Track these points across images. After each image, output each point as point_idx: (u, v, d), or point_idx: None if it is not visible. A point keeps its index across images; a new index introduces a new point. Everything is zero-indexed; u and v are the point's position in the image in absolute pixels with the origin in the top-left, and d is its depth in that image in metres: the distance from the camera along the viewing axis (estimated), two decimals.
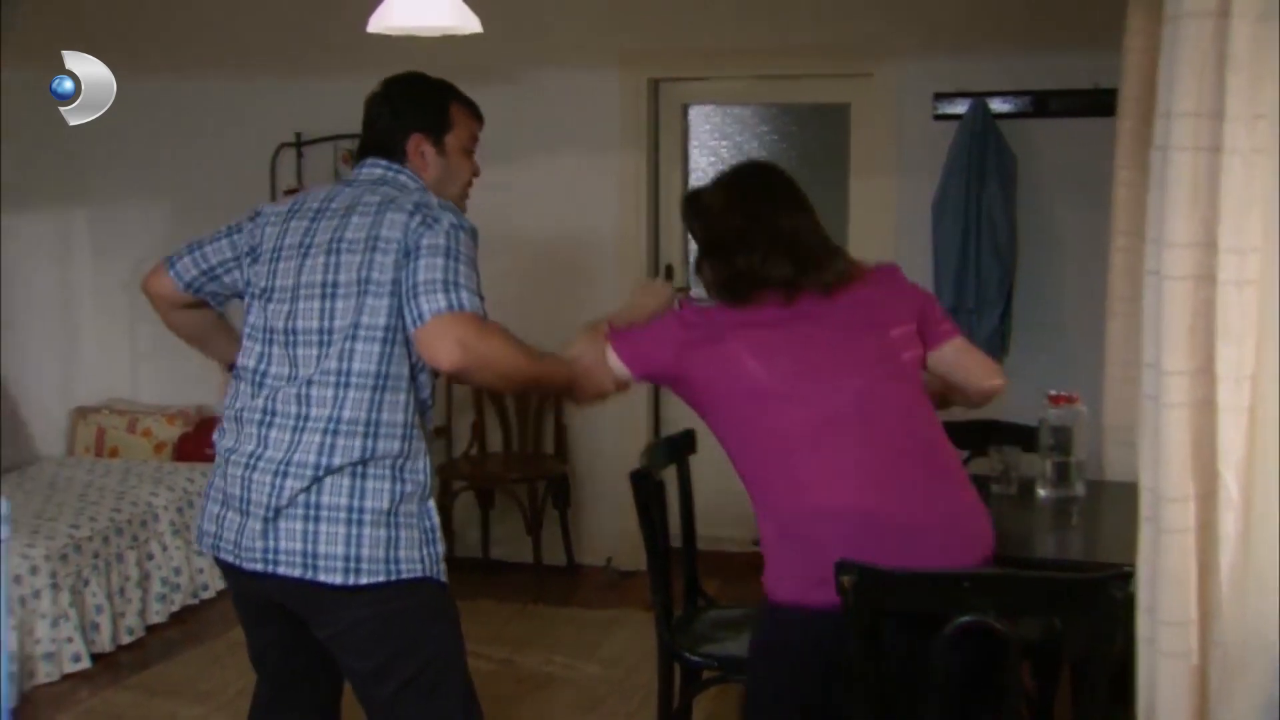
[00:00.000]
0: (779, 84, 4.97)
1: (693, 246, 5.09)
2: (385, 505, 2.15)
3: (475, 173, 2.54)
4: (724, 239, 2.35)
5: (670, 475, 3.16)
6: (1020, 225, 4.56)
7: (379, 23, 3.54)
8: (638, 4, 4.88)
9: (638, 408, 5.03)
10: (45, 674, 3.76)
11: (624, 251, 4.99)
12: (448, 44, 4.20)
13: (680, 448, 3.24)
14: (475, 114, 2.52)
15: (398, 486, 2.18)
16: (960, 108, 4.54)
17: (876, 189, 4.78)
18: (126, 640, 4.15)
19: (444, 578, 2.27)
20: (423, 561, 2.21)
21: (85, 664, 3.87)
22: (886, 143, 4.73)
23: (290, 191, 5.07)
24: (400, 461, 2.19)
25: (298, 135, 5.16)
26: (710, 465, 4.27)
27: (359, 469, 2.15)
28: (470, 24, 3.61)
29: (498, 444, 5.09)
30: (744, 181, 2.47)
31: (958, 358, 2.40)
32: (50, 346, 5.24)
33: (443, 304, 2.14)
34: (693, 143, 5.10)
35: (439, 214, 2.26)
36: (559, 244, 5.04)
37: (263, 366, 2.24)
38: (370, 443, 2.16)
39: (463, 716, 2.34)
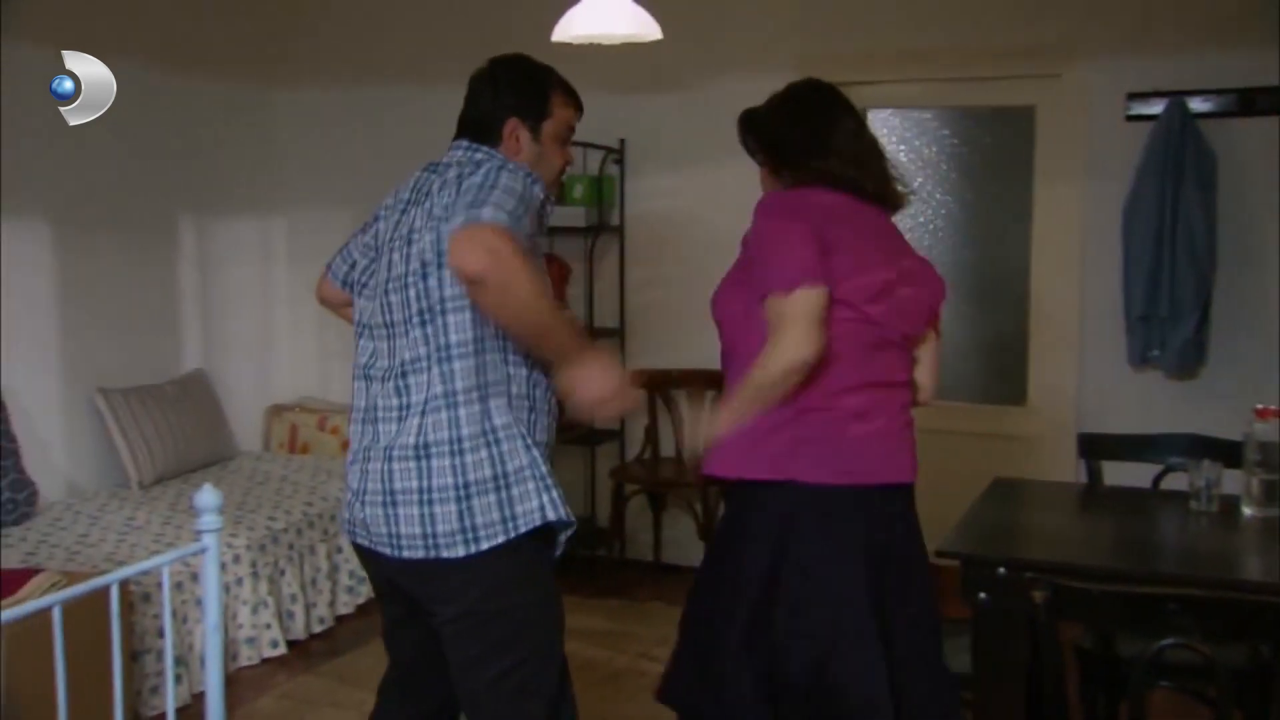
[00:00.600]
0: (960, 86, 4.86)
1: None
2: (488, 473, 2.14)
3: (569, 160, 2.46)
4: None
5: None
6: (1219, 229, 4.35)
7: (563, 31, 3.62)
8: (816, 9, 4.85)
9: None
10: (246, 658, 3.98)
11: None
12: (627, 51, 4.27)
13: None
14: (576, 103, 2.44)
15: (493, 450, 2.15)
16: (1155, 108, 4.36)
17: (1063, 193, 4.63)
18: (318, 629, 4.34)
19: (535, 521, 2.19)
20: (504, 523, 2.15)
21: (282, 649, 4.07)
22: (1075, 145, 4.57)
23: None
24: (487, 423, 2.16)
25: None
26: None
27: (456, 445, 2.14)
28: (651, 31, 3.65)
29: (670, 448, 5.13)
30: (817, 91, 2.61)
31: (929, 354, 2.63)
32: (249, 347, 5.52)
33: (475, 215, 2.05)
34: None
35: (482, 160, 2.24)
36: (734, 251, 5.03)
37: (361, 360, 2.32)
38: (452, 413, 2.14)
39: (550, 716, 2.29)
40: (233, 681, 3.83)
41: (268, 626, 4.06)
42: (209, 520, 2.41)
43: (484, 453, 2.14)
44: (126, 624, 3.13)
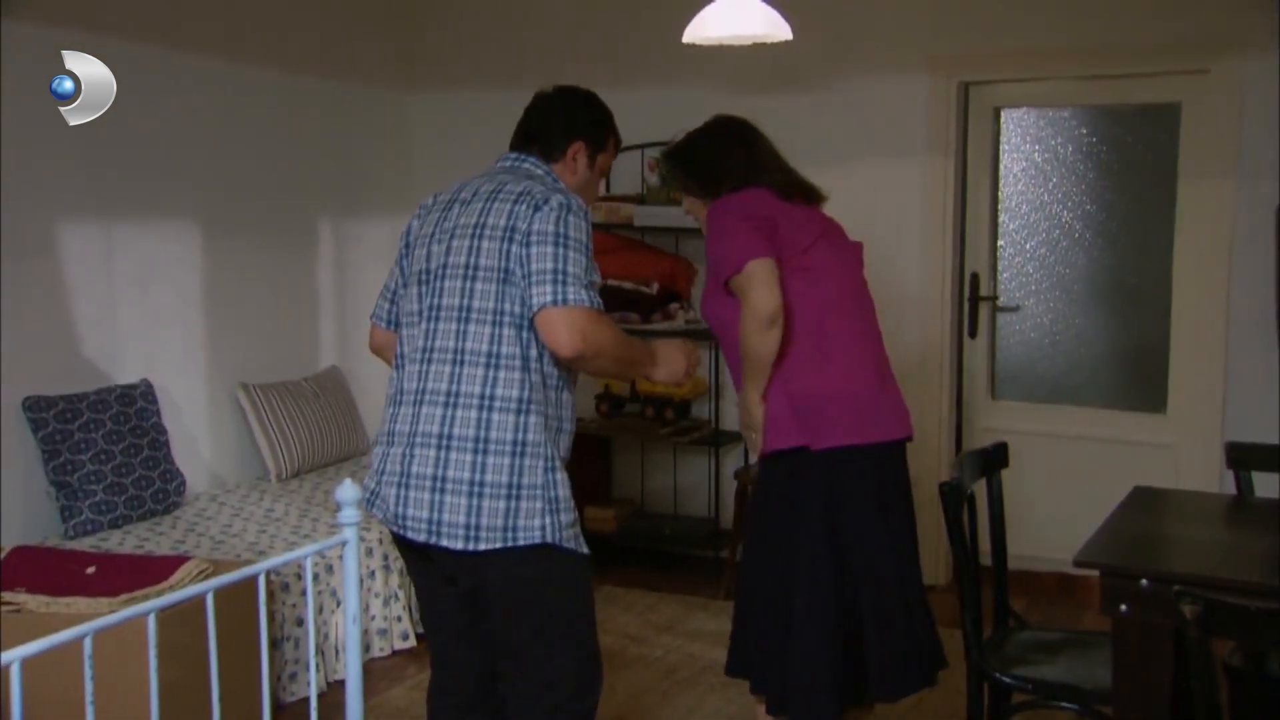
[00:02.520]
0: (1100, 84, 4.72)
1: (1005, 253, 4.94)
2: (505, 479, 2.24)
3: (597, 195, 2.81)
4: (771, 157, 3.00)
5: (980, 489, 3.06)
6: None
7: (694, 33, 3.63)
8: (950, 7, 4.76)
9: (941, 413, 4.91)
10: (379, 649, 4.08)
11: (928, 260, 4.88)
12: (755, 51, 4.26)
13: (992, 461, 3.14)
14: (620, 147, 2.76)
15: (517, 461, 2.25)
16: None
17: (1210, 194, 4.46)
18: None
19: (572, 545, 2.32)
20: (542, 530, 2.25)
21: (412, 642, 4.16)
22: (1224, 143, 4.39)
23: (600, 200, 5.27)
24: (519, 435, 2.26)
25: None
26: (1023, 480, 4.15)
27: (480, 444, 2.24)
28: (781, 32, 3.64)
29: None
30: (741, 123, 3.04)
31: None
32: None
33: (558, 296, 2.23)
34: (1004, 147, 4.93)
35: (547, 194, 2.35)
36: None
37: (400, 349, 2.43)
38: (486, 415, 2.25)
39: (576, 671, 2.37)
40: (366, 672, 3.92)
41: (399, 619, 4.16)
42: (349, 514, 2.48)
43: (507, 460, 2.25)
44: (268, 613, 3.23)
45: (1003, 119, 4.92)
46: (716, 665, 4.05)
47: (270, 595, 3.53)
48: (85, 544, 3.81)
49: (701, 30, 3.59)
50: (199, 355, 4.66)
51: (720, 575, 4.94)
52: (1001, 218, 4.97)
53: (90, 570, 3.33)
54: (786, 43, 3.75)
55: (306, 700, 3.54)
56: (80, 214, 4.15)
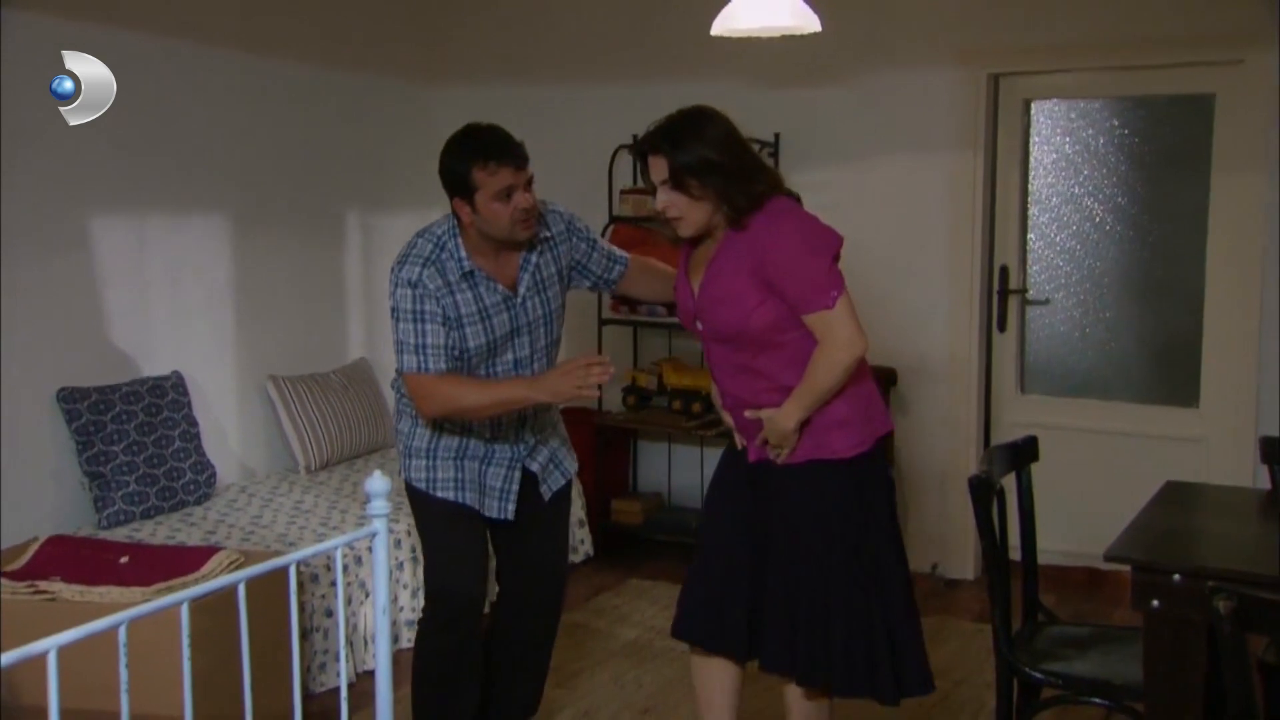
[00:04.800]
0: (1132, 75, 4.68)
1: (1034, 246, 4.91)
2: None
3: (519, 205, 2.81)
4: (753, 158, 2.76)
5: (1009, 483, 3.04)
6: None
7: (723, 25, 3.62)
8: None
9: (969, 406, 4.89)
10: (406, 639, 4.09)
11: (956, 253, 4.86)
12: (785, 44, 4.25)
13: (1022, 455, 3.12)
14: (505, 163, 2.79)
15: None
16: None
17: (1245, 186, 4.42)
18: None
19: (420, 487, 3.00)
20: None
21: None
22: (1258, 135, 4.35)
23: (627, 193, 5.26)
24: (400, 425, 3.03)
25: (635, 137, 5.29)
26: (1052, 475, 4.12)
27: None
28: (810, 24, 3.62)
29: None
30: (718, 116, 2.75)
31: None
32: None
33: (399, 365, 2.87)
34: (1034, 139, 4.90)
35: (394, 267, 2.85)
36: (889, 244, 4.97)
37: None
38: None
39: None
40: (395, 662, 3.94)
41: None
42: (379, 505, 2.49)
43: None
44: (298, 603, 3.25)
45: (1033, 111, 4.88)
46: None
47: (300, 586, 3.56)
48: (118, 534, 3.85)
49: (730, 23, 3.58)
50: (229, 347, 4.69)
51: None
52: (1031, 210, 4.93)
53: (123, 560, 3.36)
54: (815, 35, 3.74)
55: (335, 690, 3.57)
56: (113, 208, 4.19)
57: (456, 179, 2.82)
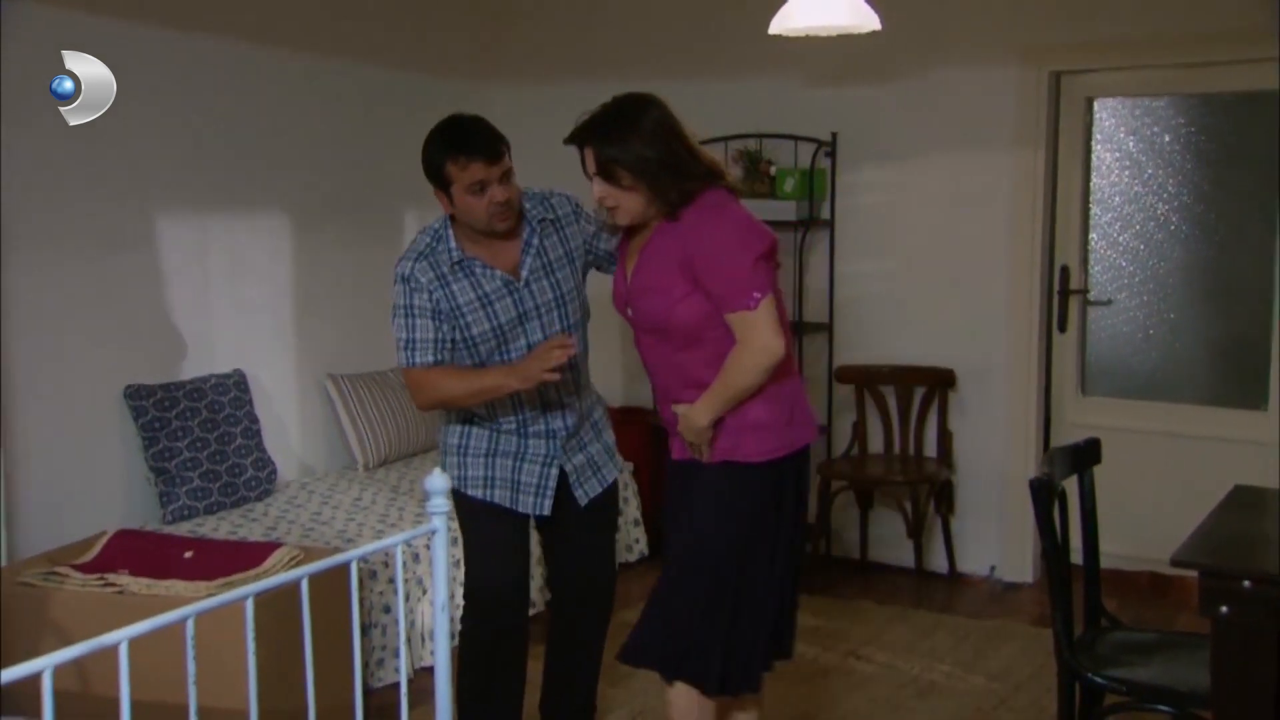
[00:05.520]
0: (1198, 72, 4.59)
1: (1096, 246, 4.84)
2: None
3: (493, 199, 2.84)
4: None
5: (1070, 486, 3.00)
6: None
7: (780, 24, 3.61)
8: None
9: (1028, 408, 4.83)
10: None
11: (1016, 253, 4.80)
12: (842, 42, 4.22)
13: (1084, 457, 3.08)
14: (475, 157, 2.82)
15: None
16: None
17: None
18: (530, 612, 4.44)
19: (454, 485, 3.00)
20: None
21: None
22: None
23: None
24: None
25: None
26: (1115, 477, 4.06)
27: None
28: (869, 22, 3.60)
29: (879, 445, 5.05)
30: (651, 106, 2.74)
31: None
32: None
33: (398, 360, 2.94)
34: (1096, 138, 4.82)
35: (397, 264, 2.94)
36: (947, 245, 4.93)
37: None
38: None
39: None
40: (454, 658, 3.97)
41: None
42: (438, 503, 2.51)
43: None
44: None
45: (1095, 109, 4.81)
46: (799, 659, 3.99)
47: (358, 583, 3.59)
48: (182, 529, 3.92)
49: (788, 21, 3.56)
50: (289, 346, 4.75)
51: (803, 569, 4.89)
52: (1093, 210, 4.86)
53: (188, 555, 3.41)
54: (873, 33, 3.72)
55: (391, 686, 3.61)
56: (177, 207, 4.26)
57: (433, 171, 2.87)
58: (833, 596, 4.71)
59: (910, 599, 4.66)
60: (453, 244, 2.91)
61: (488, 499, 3.00)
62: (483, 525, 3.04)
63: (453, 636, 3.98)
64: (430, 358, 2.88)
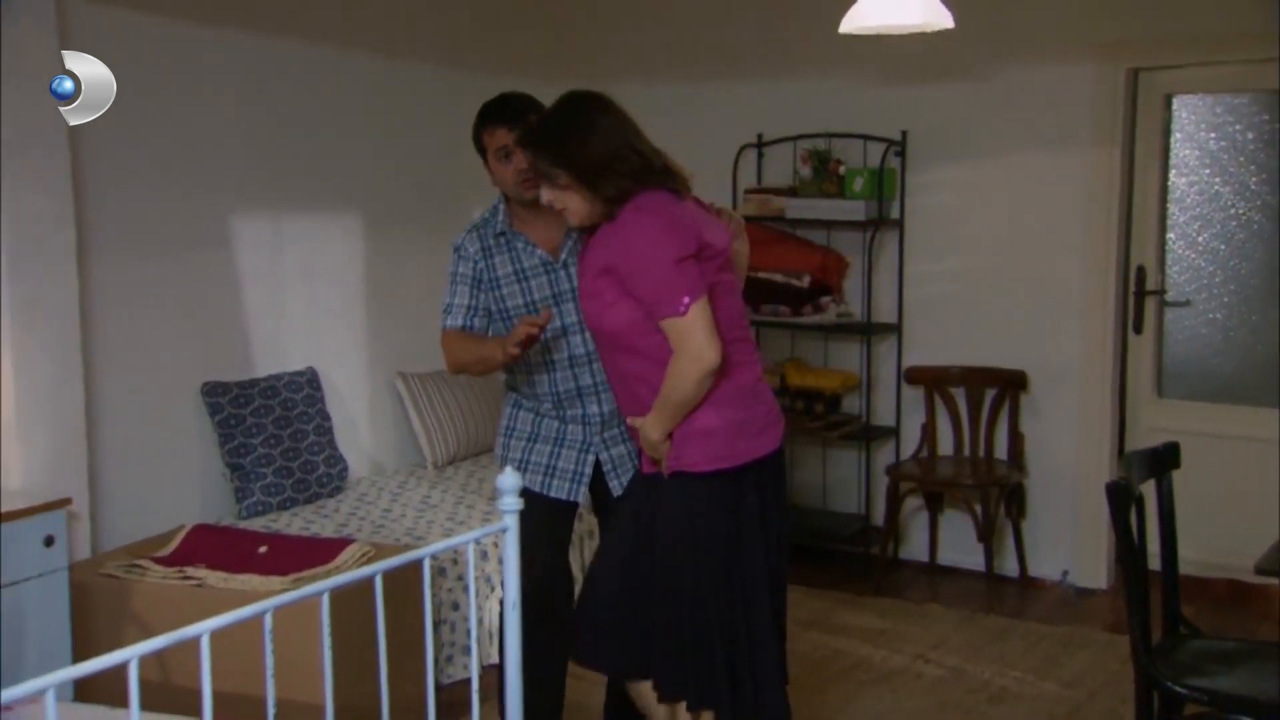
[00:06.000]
0: None
1: (1174, 246, 4.75)
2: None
3: (517, 166, 2.89)
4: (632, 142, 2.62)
5: (1147, 490, 2.95)
6: None
7: (852, 22, 3.57)
8: None
9: (1103, 411, 4.75)
10: None
11: (1092, 253, 4.72)
12: (913, 40, 4.18)
13: (1162, 461, 3.02)
14: (500, 124, 2.97)
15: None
16: None
17: None
18: None
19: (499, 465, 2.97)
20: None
21: None
22: None
23: (751, 192, 5.24)
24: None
25: (759, 136, 5.32)
26: (1193, 482, 3.97)
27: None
28: (942, 20, 3.55)
29: (948, 447, 4.99)
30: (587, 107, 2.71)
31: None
32: None
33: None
34: (1175, 136, 4.73)
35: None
36: (1019, 245, 4.86)
37: None
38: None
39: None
40: None
41: None
42: (510, 501, 2.52)
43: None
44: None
45: (1174, 106, 4.72)
46: (867, 662, 4.02)
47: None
48: (257, 524, 3.98)
49: (859, 20, 3.53)
50: (360, 344, 4.81)
51: (870, 572, 4.87)
52: (1170, 209, 4.77)
53: (262, 550, 3.47)
54: (945, 31, 3.67)
55: (459, 683, 3.64)
56: (252, 207, 4.33)
57: (475, 141, 3.05)
58: (901, 599, 4.67)
59: (980, 603, 4.60)
60: (501, 217, 3.00)
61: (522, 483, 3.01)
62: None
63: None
64: (459, 322, 2.95)
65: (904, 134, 4.98)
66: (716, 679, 2.60)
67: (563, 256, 2.96)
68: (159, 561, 3.40)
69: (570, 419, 3.00)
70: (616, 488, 3.04)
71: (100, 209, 3.71)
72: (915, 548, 5.12)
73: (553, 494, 3.00)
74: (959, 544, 4.97)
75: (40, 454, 3.38)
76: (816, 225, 5.10)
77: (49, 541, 3.17)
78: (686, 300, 2.46)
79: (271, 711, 2.09)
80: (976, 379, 4.91)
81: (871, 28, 3.59)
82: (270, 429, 4.17)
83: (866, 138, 5.01)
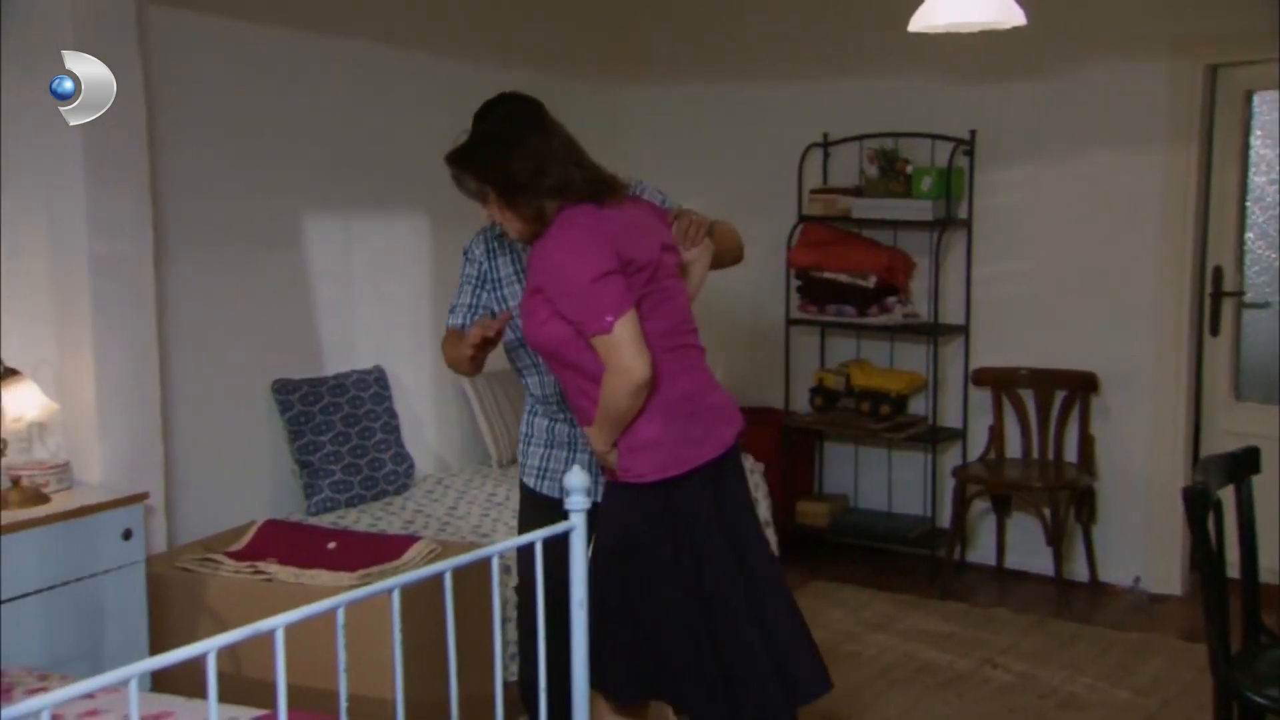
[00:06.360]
0: None
1: (1252, 246, 4.65)
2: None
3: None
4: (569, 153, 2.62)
5: (1225, 496, 2.88)
6: None
7: (921, 21, 3.53)
8: None
9: (1177, 414, 4.66)
10: None
11: (1165, 253, 4.64)
12: (982, 38, 4.13)
13: (1241, 466, 2.95)
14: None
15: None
16: None
17: None
18: None
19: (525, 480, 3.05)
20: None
21: None
22: None
23: (816, 192, 5.21)
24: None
25: (825, 135, 5.29)
26: (1270, 488, 3.89)
27: None
28: (1014, 17, 3.50)
29: (1016, 449, 4.93)
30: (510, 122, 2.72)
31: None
32: None
33: None
34: (1256, 133, 4.63)
35: None
36: (1092, 245, 4.79)
37: None
38: None
39: None
40: None
41: None
42: (578, 500, 2.53)
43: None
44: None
45: (1255, 102, 4.61)
46: (933, 665, 3.98)
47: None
48: (325, 520, 4.03)
49: (930, 18, 3.49)
50: (427, 343, 4.84)
51: (937, 575, 4.82)
52: (1249, 208, 4.66)
53: (331, 546, 3.51)
54: (1016, 28, 3.62)
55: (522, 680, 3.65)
56: (322, 207, 4.39)
57: None
58: (968, 603, 4.62)
59: (1049, 608, 4.53)
60: None
61: (538, 489, 3.03)
62: (528, 514, 3.06)
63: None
64: (459, 321, 2.97)
65: (973, 133, 4.92)
66: (660, 685, 2.61)
67: None
68: (231, 556, 3.46)
69: (576, 422, 2.99)
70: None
71: (175, 209, 3.78)
72: (982, 551, 5.06)
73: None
74: (1027, 548, 4.90)
75: (119, 449, 3.45)
76: (883, 225, 5.05)
77: (127, 535, 3.23)
78: (610, 318, 2.44)
79: (344, 705, 2.11)
80: (1046, 381, 4.84)
81: (942, 26, 3.55)
82: (339, 426, 4.22)
83: (934, 137, 4.96)
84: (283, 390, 4.14)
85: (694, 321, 2.73)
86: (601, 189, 2.60)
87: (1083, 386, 4.78)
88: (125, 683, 1.67)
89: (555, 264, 2.51)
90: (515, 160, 2.58)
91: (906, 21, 3.53)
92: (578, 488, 2.54)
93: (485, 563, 2.49)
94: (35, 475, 3.20)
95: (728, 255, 3.00)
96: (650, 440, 2.56)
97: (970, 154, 4.94)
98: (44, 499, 3.16)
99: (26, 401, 3.21)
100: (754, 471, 5.06)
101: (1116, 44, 4.64)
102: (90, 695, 1.67)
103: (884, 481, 5.30)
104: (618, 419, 2.54)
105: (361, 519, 4.09)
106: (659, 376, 2.52)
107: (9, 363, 3.24)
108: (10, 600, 2.95)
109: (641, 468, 2.58)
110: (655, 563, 2.59)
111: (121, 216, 3.44)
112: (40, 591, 3.02)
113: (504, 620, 3.73)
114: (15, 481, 3.17)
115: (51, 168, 3.34)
